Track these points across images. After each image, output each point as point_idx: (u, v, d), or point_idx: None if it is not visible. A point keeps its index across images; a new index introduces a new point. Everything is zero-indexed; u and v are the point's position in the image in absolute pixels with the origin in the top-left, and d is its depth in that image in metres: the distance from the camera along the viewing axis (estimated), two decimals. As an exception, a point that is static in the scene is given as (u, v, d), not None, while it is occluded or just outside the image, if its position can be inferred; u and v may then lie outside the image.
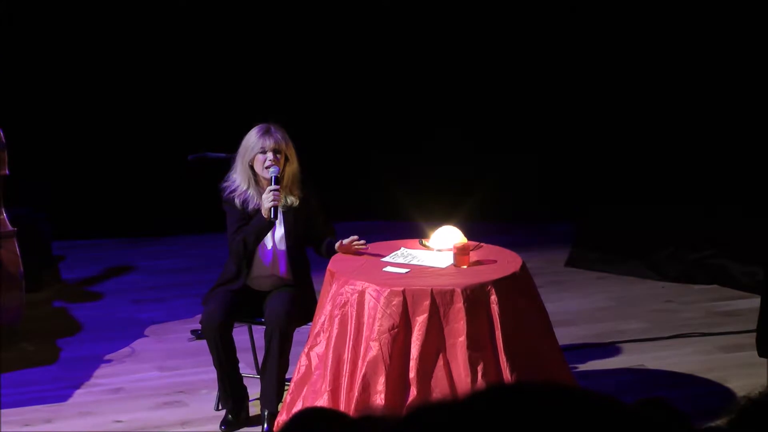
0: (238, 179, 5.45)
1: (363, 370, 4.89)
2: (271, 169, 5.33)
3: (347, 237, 5.45)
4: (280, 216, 5.43)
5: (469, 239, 5.56)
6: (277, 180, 5.33)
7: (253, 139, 5.39)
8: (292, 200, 5.46)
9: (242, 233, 5.40)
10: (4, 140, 6.31)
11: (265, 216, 5.30)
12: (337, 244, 5.42)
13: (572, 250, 8.23)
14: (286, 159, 5.42)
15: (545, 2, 8.90)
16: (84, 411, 5.72)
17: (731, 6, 7.66)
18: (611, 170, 8.25)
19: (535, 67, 8.99)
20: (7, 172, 6.30)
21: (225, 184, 5.50)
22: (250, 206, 5.41)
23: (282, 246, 5.48)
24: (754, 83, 7.62)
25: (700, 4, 7.77)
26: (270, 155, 5.35)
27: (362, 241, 5.43)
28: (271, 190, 5.28)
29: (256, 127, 5.44)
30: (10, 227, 6.28)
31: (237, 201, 5.43)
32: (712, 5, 7.71)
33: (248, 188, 5.42)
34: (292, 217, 5.47)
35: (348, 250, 5.40)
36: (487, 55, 9.04)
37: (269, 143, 5.35)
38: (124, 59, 8.67)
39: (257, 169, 5.40)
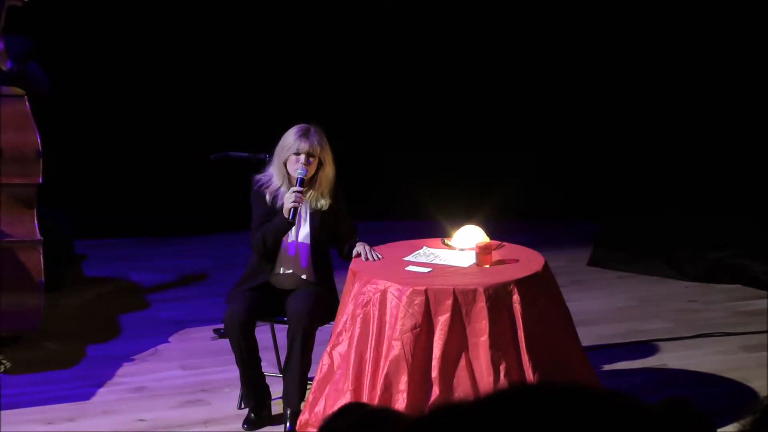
0: (273, 174, 5.46)
1: (385, 370, 4.90)
2: (299, 171, 5.33)
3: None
4: (306, 215, 5.45)
5: (491, 238, 5.55)
6: (302, 182, 5.34)
7: (290, 139, 5.39)
8: (322, 204, 5.46)
9: (262, 230, 5.42)
10: (40, 149, 6.25)
11: (285, 215, 5.32)
12: (353, 253, 5.44)
13: (595, 249, 8.21)
14: (321, 163, 5.43)
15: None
16: (107, 410, 5.74)
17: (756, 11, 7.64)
18: (634, 170, 8.24)
19: (559, 65, 8.98)
20: (40, 180, 6.24)
21: (258, 176, 5.51)
22: (279, 202, 5.42)
23: (305, 246, 5.49)
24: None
25: (715, 7, 7.76)
26: (302, 158, 5.35)
27: (371, 257, 5.43)
28: (294, 191, 5.29)
29: (296, 126, 5.43)
30: (38, 236, 6.25)
31: (268, 195, 5.44)
32: (730, 8, 7.70)
33: (281, 185, 5.43)
34: (318, 219, 5.47)
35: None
36: (513, 54, 9.03)
37: (304, 146, 5.35)
38: (147, 60, 8.70)
39: (289, 169, 5.40)
